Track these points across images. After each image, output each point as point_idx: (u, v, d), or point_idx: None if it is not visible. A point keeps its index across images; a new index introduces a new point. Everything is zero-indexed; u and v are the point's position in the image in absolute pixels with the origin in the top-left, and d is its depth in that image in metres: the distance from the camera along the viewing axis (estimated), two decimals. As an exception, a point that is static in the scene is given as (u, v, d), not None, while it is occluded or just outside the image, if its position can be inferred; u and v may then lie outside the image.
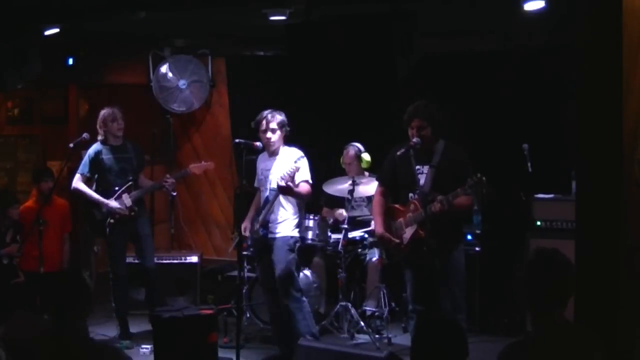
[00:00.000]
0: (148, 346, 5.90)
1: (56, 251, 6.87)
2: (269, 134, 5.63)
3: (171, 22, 6.79)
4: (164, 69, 7.84)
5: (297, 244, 5.74)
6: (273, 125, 5.61)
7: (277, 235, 5.63)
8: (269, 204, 5.61)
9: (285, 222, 5.65)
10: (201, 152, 8.41)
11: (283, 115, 5.68)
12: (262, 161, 5.83)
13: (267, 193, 5.67)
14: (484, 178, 4.74)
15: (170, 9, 5.83)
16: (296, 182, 5.53)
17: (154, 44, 7.80)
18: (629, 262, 3.65)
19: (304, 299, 5.71)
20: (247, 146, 5.57)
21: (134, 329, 6.46)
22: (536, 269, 2.93)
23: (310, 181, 5.69)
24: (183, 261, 7.35)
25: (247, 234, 5.76)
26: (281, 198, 5.61)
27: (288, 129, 5.69)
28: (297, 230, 5.71)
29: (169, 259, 7.27)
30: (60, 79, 7.65)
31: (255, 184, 5.91)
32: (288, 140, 5.76)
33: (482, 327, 6.41)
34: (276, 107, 5.74)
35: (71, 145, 6.16)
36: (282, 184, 5.40)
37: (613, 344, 3.51)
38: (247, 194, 6.29)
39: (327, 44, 5.20)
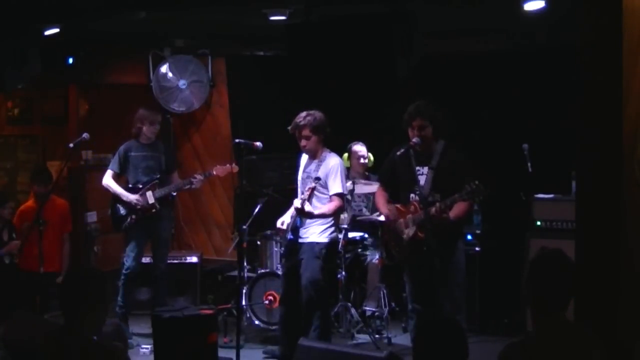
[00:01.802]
0: (148, 346, 5.90)
1: (56, 251, 6.86)
2: (303, 142, 5.52)
3: (171, 22, 6.79)
4: (164, 69, 7.83)
5: (324, 250, 5.52)
6: (306, 132, 5.48)
7: (305, 241, 5.55)
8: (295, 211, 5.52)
9: (313, 227, 5.54)
10: (201, 152, 8.41)
11: (318, 115, 5.50)
12: (304, 161, 5.71)
13: None
14: (481, 185, 4.74)
15: (170, 9, 5.83)
16: (329, 195, 5.47)
17: (154, 44, 7.80)
18: (629, 262, 3.65)
19: (328, 307, 5.65)
20: (247, 146, 5.56)
21: (134, 329, 6.46)
22: (539, 269, 2.93)
23: (345, 191, 5.59)
24: (183, 261, 7.36)
25: (284, 227, 5.65)
26: (314, 201, 5.51)
27: (327, 130, 5.52)
28: (325, 235, 5.53)
29: (169, 259, 7.24)
30: (60, 79, 7.65)
31: (297, 183, 5.77)
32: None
33: (482, 327, 6.41)
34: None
35: (71, 145, 6.18)
36: (298, 205, 5.34)
37: (613, 344, 3.51)
38: (247, 194, 6.28)
39: (327, 44, 5.19)
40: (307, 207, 5.37)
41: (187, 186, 6.62)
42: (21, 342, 3.91)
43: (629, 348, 3.65)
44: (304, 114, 5.53)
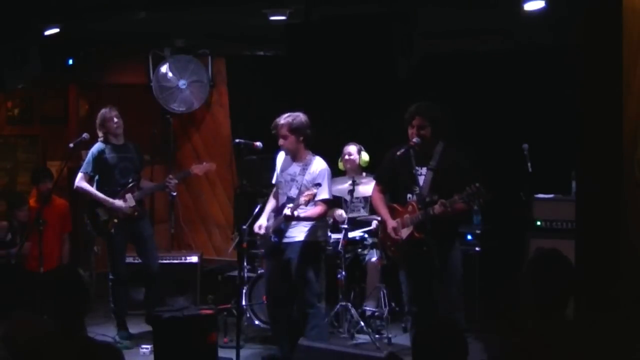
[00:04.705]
0: (148, 346, 5.90)
1: (56, 251, 6.87)
2: (280, 141, 5.45)
3: (171, 22, 6.79)
4: (164, 69, 7.84)
5: (311, 249, 5.47)
6: (283, 131, 5.42)
7: (291, 241, 5.47)
8: (282, 215, 5.45)
9: (299, 227, 5.47)
10: (201, 152, 8.41)
11: (299, 117, 5.42)
12: (284, 162, 5.63)
13: (285, 200, 5.48)
14: (482, 188, 4.74)
15: (170, 9, 5.84)
16: (316, 199, 5.38)
17: (154, 44, 7.80)
18: (628, 262, 3.65)
19: (321, 305, 5.59)
20: (247, 146, 5.56)
21: (134, 329, 6.45)
22: (536, 269, 2.93)
23: (330, 196, 5.52)
24: (183, 261, 7.34)
25: (262, 231, 5.57)
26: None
27: (308, 131, 5.43)
28: (312, 234, 5.47)
29: (169, 259, 7.25)
30: (60, 79, 7.66)
31: (274, 181, 5.70)
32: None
33: (482, 327, 6.40)
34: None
35: (71, 145, 6.16)
36: (289, 213, 5.28)
37: (613, 344, 3.51)
38: (247, 194, 6.26)
39: (327, 44, 5.20)
40: (296, 213, 5.30)
41: (164, 189, 6.57)
42: (21, 342, 3.91)
43: (629, 348, 3.65)
44: (285, 114, 5.47)
